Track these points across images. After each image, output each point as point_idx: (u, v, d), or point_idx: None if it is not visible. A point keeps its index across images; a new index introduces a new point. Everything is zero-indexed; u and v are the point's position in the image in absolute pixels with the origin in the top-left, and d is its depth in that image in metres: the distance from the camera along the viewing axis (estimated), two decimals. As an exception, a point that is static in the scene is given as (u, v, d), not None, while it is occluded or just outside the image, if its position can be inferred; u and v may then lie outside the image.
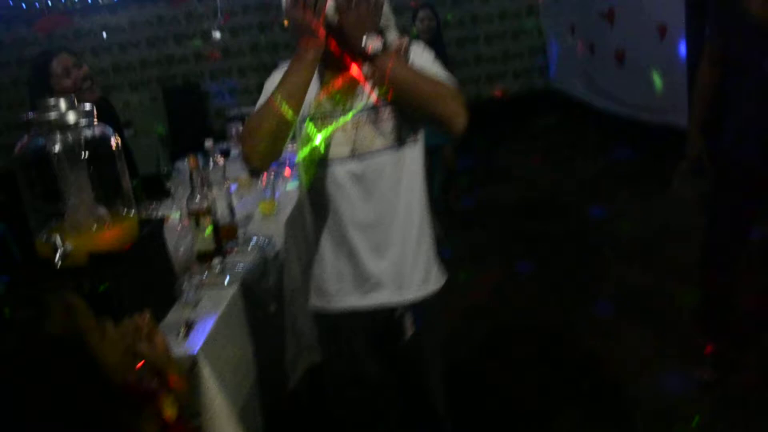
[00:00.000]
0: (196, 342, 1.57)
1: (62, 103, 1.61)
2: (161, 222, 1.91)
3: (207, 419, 1.50)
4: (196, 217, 2.10)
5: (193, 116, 7.79)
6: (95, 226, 1.67)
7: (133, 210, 1.78)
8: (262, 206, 2.61)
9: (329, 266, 1.71)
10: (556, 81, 8.04)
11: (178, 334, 1.62)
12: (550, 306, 3.47)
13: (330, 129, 1.63)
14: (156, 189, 2.94)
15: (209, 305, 1.79)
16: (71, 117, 1.61)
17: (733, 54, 2.39)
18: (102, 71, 7.72)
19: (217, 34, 5.70)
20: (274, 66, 1.74)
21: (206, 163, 2.51)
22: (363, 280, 1.69)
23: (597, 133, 6.68)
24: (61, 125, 1.61)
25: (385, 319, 1.71)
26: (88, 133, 1.66)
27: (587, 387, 2.73)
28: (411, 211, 1.69)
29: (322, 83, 1.66)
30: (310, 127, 1.64)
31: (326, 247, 1.71)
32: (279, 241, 2.36)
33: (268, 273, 2.20)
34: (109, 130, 1.72)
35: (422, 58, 1.66)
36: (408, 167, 1.67)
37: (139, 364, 1.18)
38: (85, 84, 2.55)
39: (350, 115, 1.63)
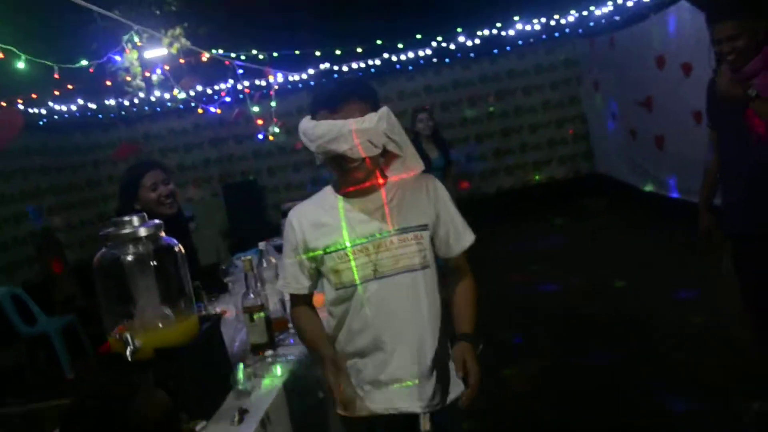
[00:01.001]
0: (250, 426, 1.73)
1: (135, 220, 1.88)
2: (219, 318, 2.12)
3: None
4: (250, 312, 2.31)
5: (250, 210, 8.23)
6: (161, 324, 1.90)
7: (193, 309, 2.00)
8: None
9: (353, 377, 1.80)
10: (600, 165, 8.18)
11: (232, 422, 1.78)
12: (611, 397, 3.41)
13: (353, 255, 1.74)
14: (215, 282, 3.18)
15: (262, 393, 1.96)
16: (142, 232, 1.87)
17: (718, 134, 2.62)
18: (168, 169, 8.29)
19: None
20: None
21: (260, 262, 2.74)
22: (386, 391, 1.78)
23: (642, 213, 6.71)
24: (133, 238, 1.87)
25: (405, 418, 1.79)
26: (156, 244, 1.91)
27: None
28: (432, 324, 1.79)
29: (345, 214, 1.78)
30: (334, 260, 1.76)
31: (349, 364, 1.82)
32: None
33: (316, 363, 2.37)
34: (174, 241, 1.96)
35: (447, 196, 1.88)
36: (425, 285, 1.78)
37: None
38: (168, 200, 2.83)
39: (374, 238, 1.75)
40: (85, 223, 8.35)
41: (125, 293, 1.90)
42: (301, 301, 1.92)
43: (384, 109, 1.70)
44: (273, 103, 4.98)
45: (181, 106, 7.78)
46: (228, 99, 4.59)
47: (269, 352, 2.26)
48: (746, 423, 2.80)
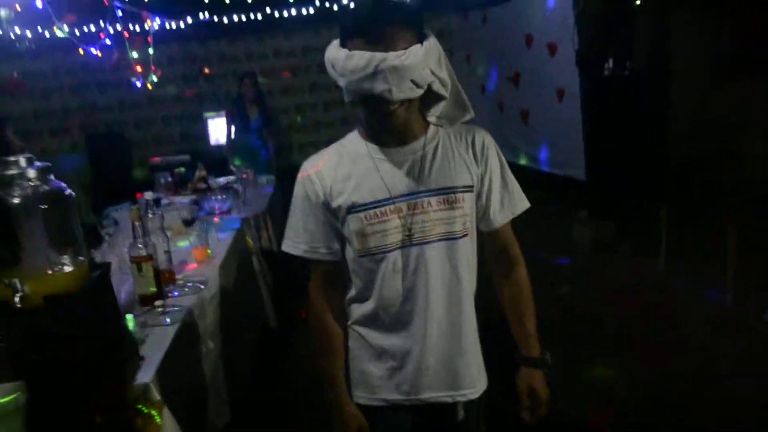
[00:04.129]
0: (147, 373, 1.75)
1: (23, 161, 1.79)
2: (109, 266, 2.08)
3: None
4: (138, 263, 2.28)
5: (116, 164, 7.82)
6: (50, 271, 1.84)
7: (84, 256, 1.95)
8: (197, 252, 2.80)
9: (377, 360, 1.56)
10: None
11: (128, 368, 1.79)
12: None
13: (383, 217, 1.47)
14: (89, 234, 3.08)
15: (155, 342, 1.97)
16: (31, 173, 1.79)
17: None
18: (22, 117, 7.67)
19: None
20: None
21: (145, 212, 2.69)
22: (413, 375, 1.54)
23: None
24: (21, 180, 1.79)
25: (432, 408, 1.58)
26: (44, 187, 1.83)
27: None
28: (464, 303, 1.55)
29: (376, 166, 1.48)
30: (361, 221, 1.47)
31: (374, 338, 1.56)
32: (214, 284, 2.56)
33: (204, 313, 2.39)
34: (64, 185, 1.90)
35: (500, 159, 1.56)
36: (463, 255, 1.52)
37: None
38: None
39: (409, 197, 1.46)
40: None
41: (10, 238, 1.81)
42: (326, 279, 1.57)
43: (431, 41, 1.39)
44: (151, 50, 4.76)
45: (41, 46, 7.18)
46: (108, 42, 4.32)
47: (159, 302, 2.26)
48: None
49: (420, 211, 1.46)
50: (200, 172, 4.60)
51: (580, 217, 5.51)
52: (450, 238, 1.49)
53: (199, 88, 8.09)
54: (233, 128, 6.02)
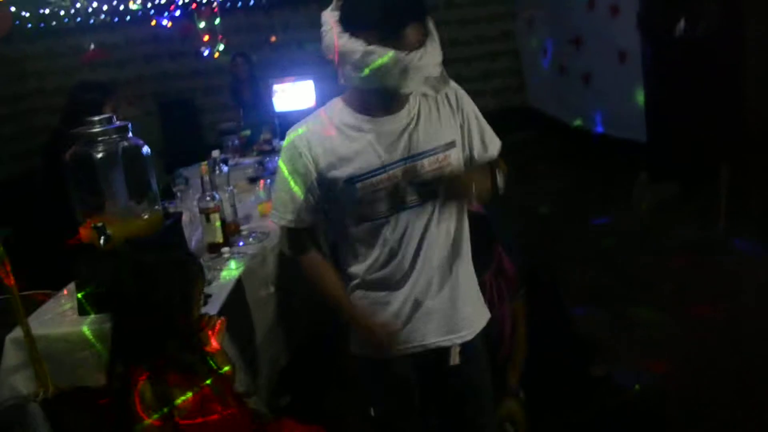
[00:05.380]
0: (214, 308, 1.96)
1: (104, 120, 2.02)
2: (180, 214, 2.31)
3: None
4: (206, 214, 2.50)
5: (186, 129, 8.18)
6: (129, 217, 2.07)
7: (158, 205, 2.18)
8: (260, 207, 3.01)
9: (380, 315, 1.61)
10: (532, 99, 8.53)
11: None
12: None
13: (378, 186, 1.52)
14: (164, 191, 3.34)
15: (220, 284, 2.19)
16: (111, 131, 2.02)
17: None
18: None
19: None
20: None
21: (213, 170, 2.91)
22: (416, 324, 1.62)
23: (568, 146, 7.13)
24: (104, 137, 2.02)
25: (434, 353, 1.67)
26: (124, 144, 2.06)
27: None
28: (461, 251, 1.65)
29: (371, 137, 1.51)
30: (359, 190, 1.52)
31: (376, 296, 1.62)
32: (275, 235, 2.76)
33: (266, 261, 2.60)
34: (141, 141, 2.12)
35: (472, 106, 1.64)
36: (455, 208, 1.62)
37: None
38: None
39: (403, 163, 1.53)
40: (11, 138, 8.10)
41: (96, 188, 2.05)
42: (305, 239, 1.64)
43: (434, 31, 1.43)
44: (217, 20, 4.97)
45: (116, 18, 7.55)
46: (178, 13, 4.55)
47: (225, 249, 2.48)
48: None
49: (414, 174, 1.52)
50: (265, 135, 4.82)
51: (640, 179, 5.46)
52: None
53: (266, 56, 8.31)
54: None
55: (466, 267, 1.67)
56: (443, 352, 1.66)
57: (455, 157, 1.57)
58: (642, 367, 2.96)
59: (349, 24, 1.39)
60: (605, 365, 2.91)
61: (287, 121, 6.54)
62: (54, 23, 7.62)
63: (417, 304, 1.60)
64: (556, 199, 5.66)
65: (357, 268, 1.62)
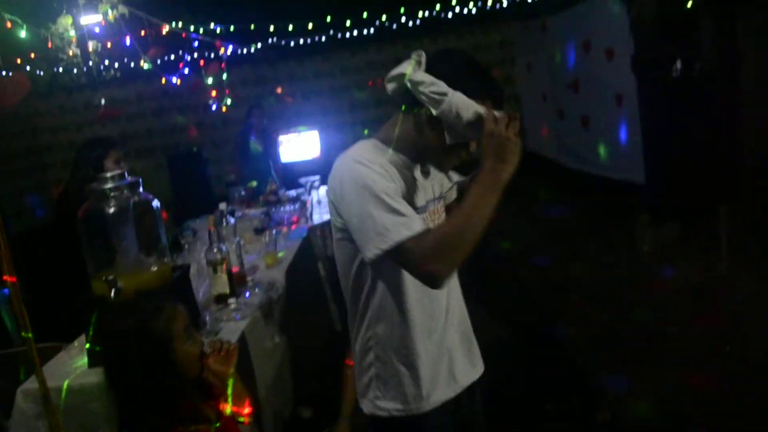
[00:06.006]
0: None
1: (116, 177, 2.11)
2: (188, 267, 2.38)
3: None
4: (213, 265, 2.57)
5: (194, 181, 8.33)
6: (139, 270, 2.14)
7: (167, 258, 2.25)
8: (266, 258, 3.08)
9: (424, 370, 1.57)
10: (532, 144, 8.67)
11: (205, 353, 2.06)
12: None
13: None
14: (172, 244, 3.41)
15: (227, 334, 2.24)
16: (123, 187, 2.11)
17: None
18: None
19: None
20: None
21: (219, 222, 2.99)
22: (452, 369, 1.63)
23: (568, 189, 7.22)
24: (115, 193, 2.10)
25: (466, 392, 1.68)
26: (135, 198, 2.14)
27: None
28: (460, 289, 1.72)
29: (413, 177, 1.57)
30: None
31: (423, 351, 1.57)
32: (281, 286, 2.82)
33: (272, 312, 2.66)
34: (151, 196, 2.20)
35: None
36: None
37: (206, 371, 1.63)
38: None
39: (431, 205, 1.62)
40: (24, 192, 8.27)
41: (107, 242, 2.13)
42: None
43: None
44: (225, 75, 5.16)
45: (127, 76, 7.79)
46: (186, 71, 4.74)
47: (232, 300, 2.53)
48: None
49: (437, 217, 1.62)
50: (271, 186, 4.92)
51: (641, 220, 5.52)
52: None
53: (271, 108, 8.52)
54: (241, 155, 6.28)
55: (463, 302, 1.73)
56: (472, 387, 1.68)
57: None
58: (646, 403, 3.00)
59: (469, 92, 1.47)
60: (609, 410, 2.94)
61: (292, 172, 6.71)
62: (67, 80, 7.87)
63: (447, 348, 1.62)
64: (559, 241, 5.71)
65: (381, 315, 1.56)
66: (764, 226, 4.44)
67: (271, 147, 6.41)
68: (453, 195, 1.71)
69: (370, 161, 1.46)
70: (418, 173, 1.58)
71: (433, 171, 1.63)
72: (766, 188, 4.92)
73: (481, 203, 1.39)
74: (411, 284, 1.53)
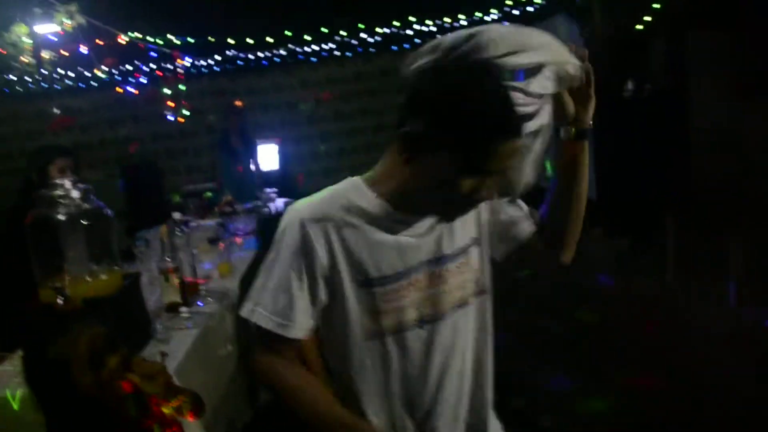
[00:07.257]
0: (171, 366, 2.00)
1: (67, 183, 2.09)
2: (139, 275, 2.36)
3: None
4: (165, 274, 2.56)
5: (149, 192, 8.20)
6: (88, 277, 2.12)
7: (117, 266, 2.23)
8: (220, 268, 3.07)
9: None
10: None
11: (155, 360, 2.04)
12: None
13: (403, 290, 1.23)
14: (124, 253, 3.38)
15: (178, 342, 2.23)
16: (74, 194, 2.09)
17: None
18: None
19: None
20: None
21: (173, 231, 2.97)
22: None
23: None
24: (66, 200, 2.08)
25: None
26: (86, 206, 2.13)
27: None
28: (484, 362, 1.37)
29: (397, 230, 1.22)
30: (375, 297, 1.22)
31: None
32: (235, 295, 2.82)
33: (225, 320, 2.65)
34: (102, 204, 2.19)
35: None
36: (480, 315, 1.35)
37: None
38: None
39: (430, 266, 1.26)
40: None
41: (56, 250, 2.10)
42: (289, 349, 1.27)
43: None
44: (182, 87, 5.13)
45: (82, 84, 7.65)
46: (144, 80, 4.70)
47: (184, 309, 2.52)
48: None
49: (441, 280, 1.26)
50: (226, 197, 4.91)
51: (593, 235, 5.68)
52: (464, 303, 1.30)
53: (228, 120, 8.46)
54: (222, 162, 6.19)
55: (490, 372, 1.39)
56: None
57: (476, 257, 1.33)
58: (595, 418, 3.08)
59: (499, 125, 1.19)
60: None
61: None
62: (19, 88, 7.71)
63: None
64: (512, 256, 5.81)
65: (354, 400, 1.28)
66: (710, 241, 4.63)
67: (254, 150, 6.33)
68: (526, 231, 1.40)
69: (312, 213, 1.20)
70: (409, 223, 1.23)
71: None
72: (713, 204, 5.14)
73: (311, 415, 1.25)
74: (362, 365, 1.25)
